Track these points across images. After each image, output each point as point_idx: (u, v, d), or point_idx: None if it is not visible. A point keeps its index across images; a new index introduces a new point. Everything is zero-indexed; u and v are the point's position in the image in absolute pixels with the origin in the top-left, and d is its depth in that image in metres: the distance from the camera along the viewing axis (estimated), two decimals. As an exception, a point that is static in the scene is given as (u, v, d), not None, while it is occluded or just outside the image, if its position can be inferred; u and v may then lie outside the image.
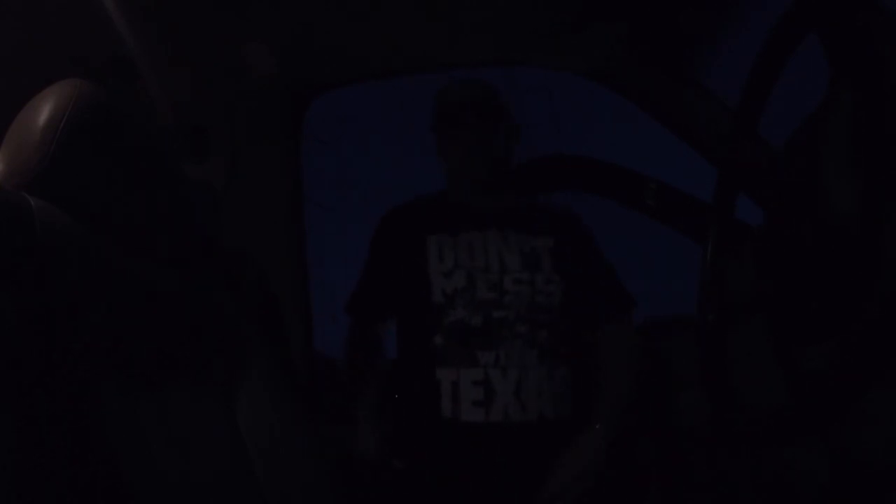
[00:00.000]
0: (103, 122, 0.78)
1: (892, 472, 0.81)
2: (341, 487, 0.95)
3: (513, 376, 1.32)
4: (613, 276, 1.49)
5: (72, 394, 0.65)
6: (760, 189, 1.23)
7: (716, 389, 0.92)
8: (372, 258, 1.53)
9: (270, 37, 1.45)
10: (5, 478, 0.58)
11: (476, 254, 1.41)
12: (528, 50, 1.58)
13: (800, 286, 0.79)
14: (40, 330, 0.65)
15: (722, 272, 0.97)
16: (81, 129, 0.75)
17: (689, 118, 1.55)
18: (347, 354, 1.52)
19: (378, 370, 1.47)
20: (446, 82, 1.54)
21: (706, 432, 1.32)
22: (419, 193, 1.58)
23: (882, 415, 0.77)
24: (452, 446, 1.32)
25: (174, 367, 0.80)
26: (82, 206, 0.75)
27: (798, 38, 0.84)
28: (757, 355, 0.88)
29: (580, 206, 1.66)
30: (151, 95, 1.45)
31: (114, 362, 0.72)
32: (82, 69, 0.89)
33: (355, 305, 1.54)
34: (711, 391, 0.93)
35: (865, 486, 0.85)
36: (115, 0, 1.24)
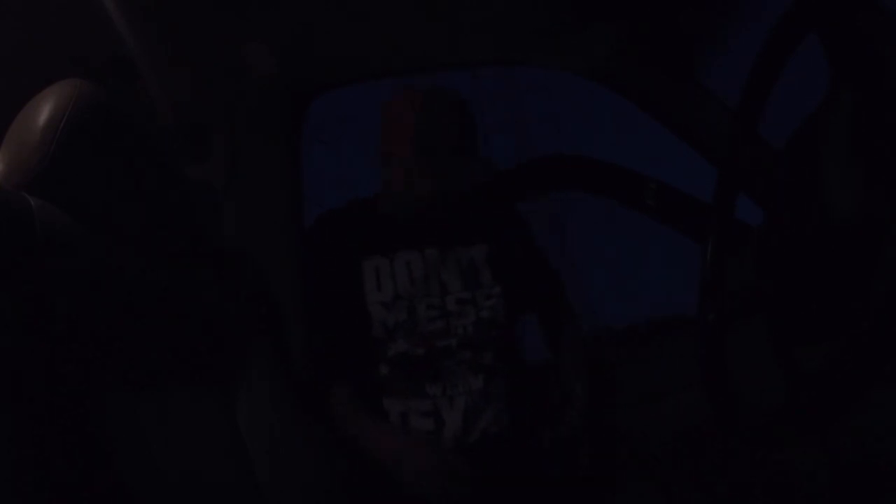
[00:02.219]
0: (103, 122, 0.78)
1: (892, 472, 0.81)
2: (341, 487, 0.96)
3: (460, 403, 1.30)
4: (545, 266, 1.48)
5: (72, 394, 0.65)
6: (760, 189, 1.23)
7: (716, 389, 0.92)
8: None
9: (270, 37, 1.45)
10: (5, 477, 0.58)
11: (416, 278, 1.35)
12: (528, 50, 1.58)
13: (800, 286, 0.79)
14: (40, 330, 0.65)
15: (722, 272, 0.97)
16: (81, 129, 0.75)
17: (689, 118, 1.55)
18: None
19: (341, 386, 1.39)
20: (409, 86, 1.41)
21: (706, 432, 1.32)
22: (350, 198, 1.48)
23: (882, 415, 0.77)
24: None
25: (174, 367, 0.80)
26: (82, 206, 0.75)
27: (798, 38, 0.84)
28: (757, 355, 0.88)
29: (580, 206, 1.65)
30: (151, 95, 1.45)
31: (114, 362, 0.72)
32: (82, 69, 0.89)
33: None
34: (711, 391, 0.93)
35: (865, 486, 0.85)
36: (115, 0, 1.24)
